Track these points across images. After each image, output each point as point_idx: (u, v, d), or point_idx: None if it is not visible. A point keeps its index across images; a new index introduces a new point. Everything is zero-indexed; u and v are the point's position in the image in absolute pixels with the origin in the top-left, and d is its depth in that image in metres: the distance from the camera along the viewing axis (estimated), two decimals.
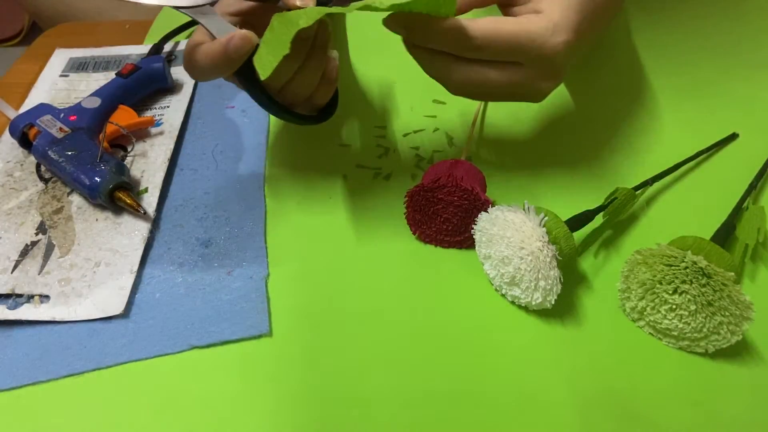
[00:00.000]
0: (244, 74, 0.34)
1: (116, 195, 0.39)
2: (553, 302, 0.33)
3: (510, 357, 0.33)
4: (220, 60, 0.32)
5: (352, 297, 0.36)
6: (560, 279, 0.32)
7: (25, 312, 0.34)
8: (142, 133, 0.46)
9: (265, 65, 0.29)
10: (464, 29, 0.31)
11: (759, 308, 0.30)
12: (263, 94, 0.36)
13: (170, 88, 0.50)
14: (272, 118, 0.48)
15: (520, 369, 0.32)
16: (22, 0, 0.72)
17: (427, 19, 0.32)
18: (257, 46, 0.32)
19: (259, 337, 0.34)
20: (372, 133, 0.47)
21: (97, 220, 0.40)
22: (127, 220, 0.39)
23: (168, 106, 0.49)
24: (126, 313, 0.34)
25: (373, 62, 0.53)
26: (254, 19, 0.36)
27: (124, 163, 0.42)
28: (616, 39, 0.56)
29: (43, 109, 0.44)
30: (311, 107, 0.40)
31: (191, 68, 0.35)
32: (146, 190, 0.41)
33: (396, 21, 0.33)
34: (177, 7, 0.34)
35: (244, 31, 0.32)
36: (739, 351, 0.33)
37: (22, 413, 0.31)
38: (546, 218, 0.32)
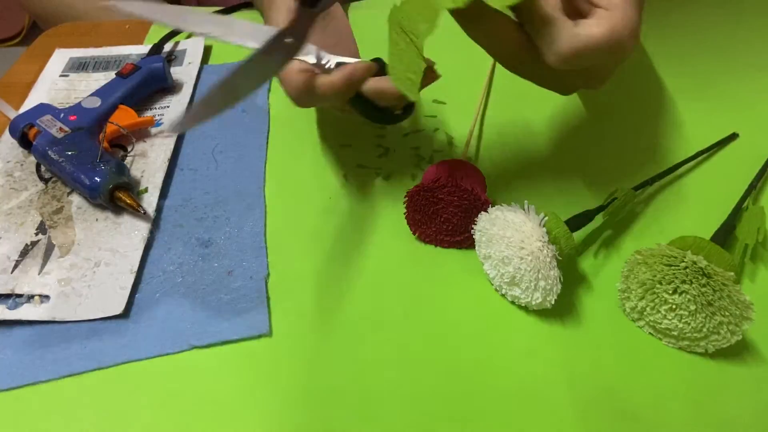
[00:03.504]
0: (355, 96, 0.36)
1: (116, 195, 0.39)
2: (553, 302, 0.33)
3: (510, 357, 0.33)
4: (344, 89, 0.35)
5: (352, 297, 0.36)
6: (560, 279, 0.32)
7: (25, 312, 0.34)
8: (142, 133, 0.46)
9: (409, 87, 0.30)
10: (573, 38, 0.29)
11: (759, 308, 0.30)
12: (375, 109, 0.38)
13: (170, 88, 0.50)
14: (272, 118, 0.48)
15: (520, 369, 0.32)
16: (22, 0, 0.72)
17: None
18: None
19: (259, 337, 0.34)
20: (372, 133, 0.47)
21: (97, 220, 0.40)
22: (127, 220, 0.39)
23: (168, 106, 0.49)
24: (126, 313, 0.34)
25: None
26: (298, 24, 0.37)
27: (124, 163, 0.42)
28: None
29: (43, 109, 0.44)
30: (401, 104, 0.41)
31: (306, 98, 0.36)
32: (146, 190, 0.41)
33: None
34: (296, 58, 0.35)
35: (365, 63, 0.35)
36: (739, 351, 0.33)
37: (22, 413, 0.31)
38: (546, 218, 0.32)
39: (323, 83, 0.35)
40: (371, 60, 0.37)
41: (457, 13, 0.30)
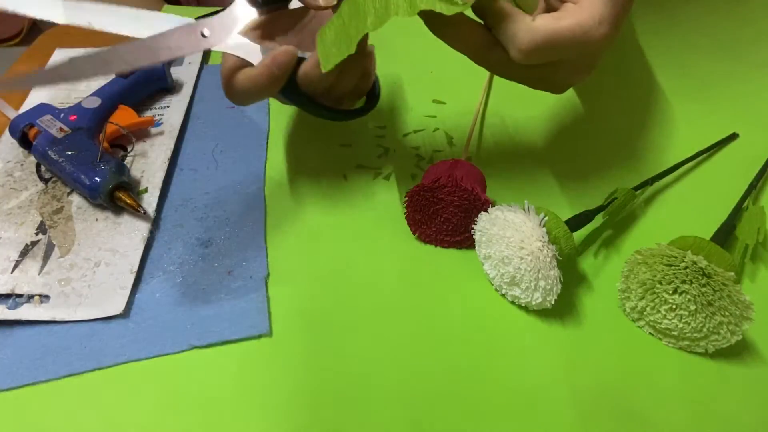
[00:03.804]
0: (289, 89, 0.35)
1: (116, 195, 0.39)
2: (553, 302, 0.33)
3: (510, 357, 0.33)
4: (266, 81, 0.33)
5: (352, 297, 0.36)
6: (560, 279, 0.32)
7: (25, 312, 0.34)
8: (142, 133, 0.46)
9: (329, 58, 0.30)
10: (530, 32, 0.29)
11: (759, 308, 0.30)
12: (310, 102, 0.37)
13: (170, 88, 0.50)
14: (272, 118, 0.48)
15: (520, 369, 0.32)
16: None
17: (499, 17, 0.30)
18: (300, 59, 0.33)
19: (259, 337, 0.34)
20: (372, 133, 0.47)
21: (97, 220, 0.40)
22: (127, 220, 0.39)
23: (168, 106, 0.49)
24: (126, 313, 0.34)
25: None
26: (273, 27, 0.36)
27: (124, 163, 0.42)
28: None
29: (43, 109, 0.44)
30: (355, 99, 0.40)
31: (233, 94, 0.35)
32: (146, 190, 0.41)
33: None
34: (209, 49, 0.34)
35: (285, 47, 0.33)
36: (739, 351, 0.33)
37: (22, 413, 0.31)
38: (546, 218, 0.32)
39: (245, 76, 0.34)
40: None
41: (425, 19, 0.31)
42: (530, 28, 0.29)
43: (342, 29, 0.30)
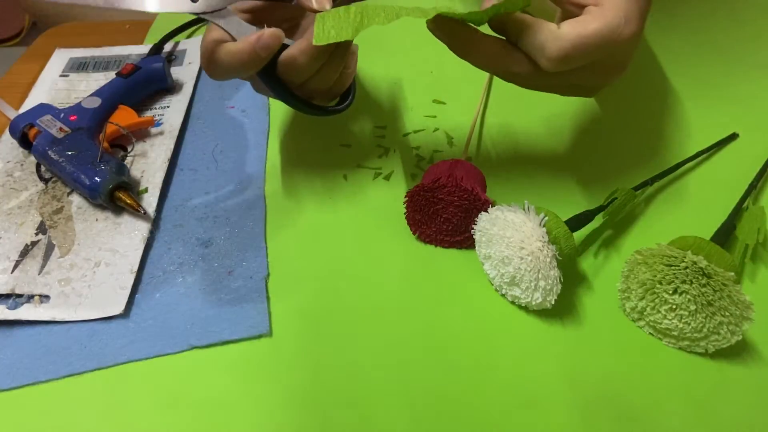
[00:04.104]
0: (267, 71, 0.34)
1: (116, 195, 0.39)
2: (553, 302, 0.32)
3: (510, 357, 0.33)
4: (247, 58, 0.32)
5: (352, 297, 0.36)
6: (560, 279, 0.32)
7: (25, 312, 0.34)
8: (142, 133, 0.46)
9: (325, 34, 0.30)
10: (558, 40, 0.29)
11: (759, 308, 0.30)
12: (285, 89, 0.36)
13: (170, 88, 0.50)
14: (272, 118, 0.48)
15: (520, 369, 0.32)
16: (22, 0, 0.72)
17: (521, 30, 0.30)
18: (284, 45, 0.33)
19: (259, 337, 0.34)
20: (372, 133, 0.47)
21: (97, 220, 0.40)
22: (127, 220, 0.39)
23: (168, 106, 0.49)
24: (126, 313, 0.34)
25: (374, 62, 0.53)
26: (265, 15, 0.36)
27: (124, 163, 0.42)
28: None
29: (43, 109, 0.44)
30: (329, 98, 0.40)
31: (214, 67, 0.34)
32: (146, 190, 0.41)
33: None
34: (197, 14, 0.34)
35: (273, 29, 0.32)
36: (739, 351, 0.33)
37: (22, 413, 0.31)
38: (546, 218, 0.32)
39: (227, 50, 0.33)
40: None
41: (447, 41, 0.31)
42: (557, 36, 0.29)
43: (346, 16, 0.31)
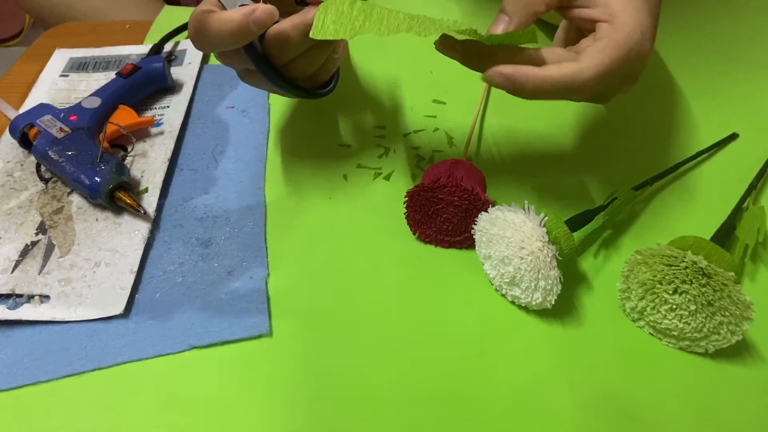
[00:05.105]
0: (254, 46, 0.34)
1: (116, 195, 0.39)
2: (553, 302, 0.33)
3: (510, 357, 0.33)
4: (238, 30, 0.31)
5: (352, 297, 0.36)
6: (560, 279, 0.32)
7: (25, 312, 0.34)
8: (142, 133, 0.46)
9: (324, 29, 0.29)
10: (581, 74, 0.30)
11: (759, 308, 0.30)
12: (271, 67, 0.35)
13: (170, 88, 0.50)
14: (272, 118, 0.48)
15: (520, 369, 0.32)
16: (22, 0, 0.72)
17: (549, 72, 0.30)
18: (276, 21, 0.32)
19: (259, 337, 0.34)
20: (372, 133, 0.47)
21: (97, 220, 0.40)
22: (127, 220, 0.39)
23: (168, 106, 0.49)
24: (126, 313, 0.34)
25: (374, 62, 0.53)
26: None
27: (124, 163, 0.42)
28: None
29: (43, 109, 0.44)
30: (313, 82, 0.40)
31: (201, 36, 0.33)
32: (146, 190, 0.41)
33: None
34: None
35: (268, 6, 0.31)
36: (739, 351, 0.33)
37: (22, 413, 0.31)
38: (546, 218, 0.32)
39: (218, 18, 0.32)
40: None
41: (462, 59, 0.32)
42: (581, 70, 0.30)
43: (349, 12, 0.30)
